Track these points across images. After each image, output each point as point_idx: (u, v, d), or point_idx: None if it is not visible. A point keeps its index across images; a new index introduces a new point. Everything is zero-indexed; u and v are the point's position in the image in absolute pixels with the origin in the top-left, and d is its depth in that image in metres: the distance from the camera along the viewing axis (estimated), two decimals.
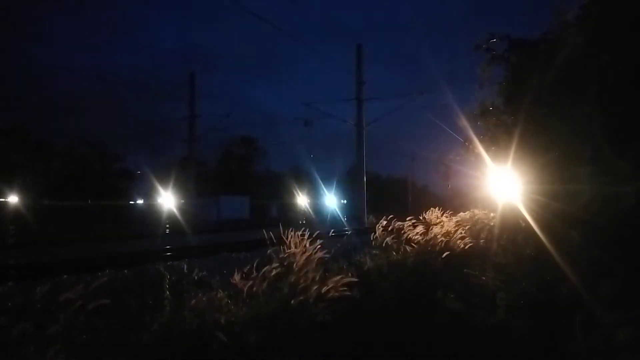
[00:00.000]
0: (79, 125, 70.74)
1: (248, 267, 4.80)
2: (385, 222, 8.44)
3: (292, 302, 4.15)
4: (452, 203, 27.12)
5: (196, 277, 5.64)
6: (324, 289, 4.49)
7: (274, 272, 4.42)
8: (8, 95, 58.10)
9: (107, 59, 79.46)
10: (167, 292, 4.20)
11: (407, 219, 9.02)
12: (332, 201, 38.60)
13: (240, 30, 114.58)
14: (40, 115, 69.00)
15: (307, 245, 5.36)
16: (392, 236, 8.33)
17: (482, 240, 9.05)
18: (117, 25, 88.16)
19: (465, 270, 6.50)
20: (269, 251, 5.25)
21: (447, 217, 11.34)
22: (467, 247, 8.58)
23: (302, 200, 45.61)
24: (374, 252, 7.48)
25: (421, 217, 11.30)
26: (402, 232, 8.49)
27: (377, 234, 8.10)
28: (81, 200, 41.84)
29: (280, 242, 5.85)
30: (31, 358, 2.92)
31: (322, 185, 40.66)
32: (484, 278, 6.10)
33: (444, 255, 7.50)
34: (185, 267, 6.09)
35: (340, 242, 7.78)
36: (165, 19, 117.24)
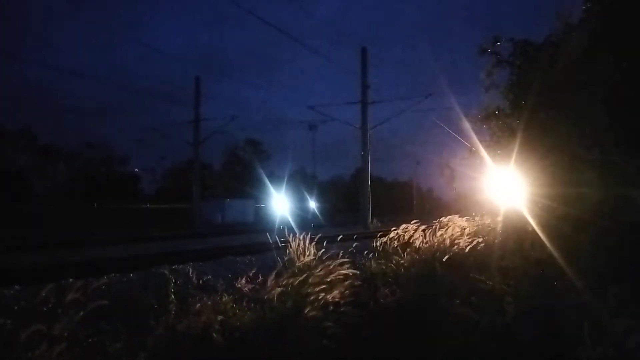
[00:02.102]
0: (84, 128, 71.21)
1: (253, 271, 4.80)
2: (390, 226, 8.42)
3: (298, 308, 4.14)
4: (456, 206, 27.01)
5: (201, 281, 5.64)
6: (330, 296, 4.47)
7: (278, 278, 4.41)
8: (15, 99, 58.56)
9: (113, 63, 80.00)
10: (172, 296, 4.20)
11: (412, 222, 8.98)
12: (338, 204, 38.64)
13: (246, 34, 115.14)
14: (46, 119, 69.53)
15: (313, 249, 5.35)
16: (397, 240, 8.30)
17: (488, 244, 8.99)
18: (125, 29, 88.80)
19: (471, 274, 6.46)
20: (276, 256, 5.25)
21: (453, 221, 11.28)
22: (472, 251, 8.52)
23: (307, 203, 45.69)
24: (379, 256, 7.46)
25: (430, 222, 11.26)
26: (407, 236, 8.46)
27: (381, 238, 8.08)
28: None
29: (285, 245, 5.86)
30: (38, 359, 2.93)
31: (327, 189, 40.66)
32: (490, 282, 6.06)
33: (450, 259, 7.46)
34: (190, 270, 6.08)
35: (346, 246, 7.76)
36: (172, 23, 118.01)
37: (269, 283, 4.37)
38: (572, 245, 6.88)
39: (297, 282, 4.43)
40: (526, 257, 7.37)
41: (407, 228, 8.71)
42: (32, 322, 3.14)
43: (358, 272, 5.81)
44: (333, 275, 4.93)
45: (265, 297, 4.33)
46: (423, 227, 9.02)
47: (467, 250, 8.30)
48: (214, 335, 3.71)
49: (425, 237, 8.55)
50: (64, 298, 3.61)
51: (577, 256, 6.33)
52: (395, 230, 8.58)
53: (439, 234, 8.88)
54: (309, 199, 47.40)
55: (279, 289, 4.31)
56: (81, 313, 3.37)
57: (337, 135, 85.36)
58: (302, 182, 50.40)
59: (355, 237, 12.33)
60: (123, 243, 18.06)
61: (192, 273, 5.72)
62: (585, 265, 5.99)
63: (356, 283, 5.17)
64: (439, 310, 5.21)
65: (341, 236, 8.39)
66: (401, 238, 8.36)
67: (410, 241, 8.28)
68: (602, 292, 5.01)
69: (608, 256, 6.34)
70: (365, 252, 7.64)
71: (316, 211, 42.84)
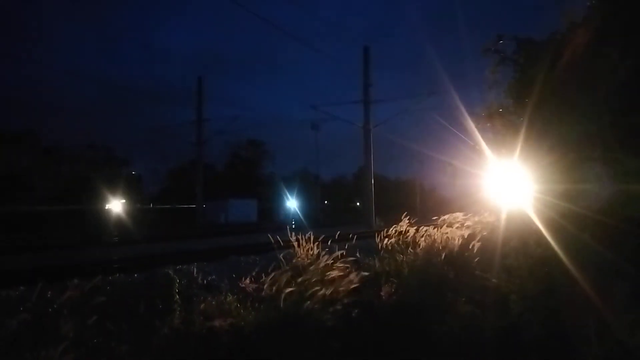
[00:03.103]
0: (87, 129, 71.35)
1: (257, 270, 4.80)
2: (393, 225, 8.42)
3: (303, 307, 4.14)
4: (460, 204, 26.91)
5: (205, 281, 5.64)
6: (333, 294, 4.47)
7: (283, 277, 4.41)
8: (17, 101, 58.71)
9: (116, 64, 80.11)
10: (177, 296, 4.21)
11: (413, 221, 8.97)
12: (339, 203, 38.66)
13: (248, 33, 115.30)
14: (49, 120, 69.73)
15: (316, 248, 5.35)
16: (400, 239, 8.29)
17: (491, 242, 8.97)
18: (128, 30, 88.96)
19: (476, 272, 6.45)
20: (280, 255, 5.24)
21: (456, 219, 11.26)
22: (476, 249, 8.51)
23: (309, 202, 45.76)
24: (382, 254, 7.45)
25: (434, 220, 11.26)
26: (411, 234, 8.45)
27: (385, 236, 8.06)
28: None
29: (289, 245, 5.85)
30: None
31: (330, 188, 40.67)
32: (494, 280, 6.04)
33: (454, 257, 7.45)
34: (194, 270, 6.09)
35: (349, 245, 7.75)
36: (175, 23, 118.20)
37: (272, 282, 4.37)
38: (576, 243, 6.86)
39: (300, 281, 4.44)
40: (530, 254, 7.34)
41: (409, 226, 8.69)
42: (36, 323, 3.16)
43: (362, 270, 5.81)
44: (337, 273, 4.93)
45: (269, 296, 4.33)
46: (426, 225, 9.00)
47: (470, 248, 8.29)
48: (219, 334, 3.72)
49: (428, 235, 8.54)
50: (68, 298, 3.62)
51: (581, 254, 6.30)
52: (398, 228, 8.57)
53: (442, 231, 8.87)
54: (312, 198, 47.45)
55: (283, 289, 4.31)
56: (85, 313, 3.38)
57: (340, 134, 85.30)
58: (305, 181, 50.40)
59: (358, 236, 12.33)
60: (127, 244, 18.12)
61: (196, 273, 5.73)
62: (589, 263, 5.96)
63: (360, 281, 5.16)
64: (444, 308, 5.20)
65: (344, 235, 8.38)
66: (404, 236, 8.36)
67: (414, 239, 8.27)
68: (607, 289, 4.99)
69: (613, 254, 6.31)
70: (369, 251, 7.64)
71: (320, 210, 42.85)
